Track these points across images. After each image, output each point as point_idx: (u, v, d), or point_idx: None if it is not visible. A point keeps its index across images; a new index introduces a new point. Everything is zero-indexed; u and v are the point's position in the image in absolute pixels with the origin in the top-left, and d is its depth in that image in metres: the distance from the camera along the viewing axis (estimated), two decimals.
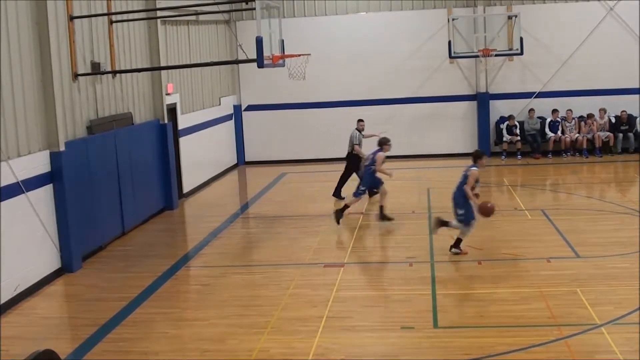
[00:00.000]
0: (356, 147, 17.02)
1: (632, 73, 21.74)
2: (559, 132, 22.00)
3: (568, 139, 21.92)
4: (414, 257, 12.07)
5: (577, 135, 21.80)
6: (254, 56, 11.70)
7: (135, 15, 15.51)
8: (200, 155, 19.91)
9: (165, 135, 16.93)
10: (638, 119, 21.99)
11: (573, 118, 22.03)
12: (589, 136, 21.83)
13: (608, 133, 21.74)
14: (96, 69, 13.82)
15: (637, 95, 21.78)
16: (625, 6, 21.78)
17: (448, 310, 9.57)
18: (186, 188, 18.68)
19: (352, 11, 23.33)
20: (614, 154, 21.70)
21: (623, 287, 10.03)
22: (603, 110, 21.78)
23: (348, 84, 23.32)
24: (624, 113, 21.89)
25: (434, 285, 10.60)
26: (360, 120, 17.67)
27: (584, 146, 21.72)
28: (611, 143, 21.76)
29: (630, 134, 21.96)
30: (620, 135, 21.90)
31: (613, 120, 22.04)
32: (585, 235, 12.99)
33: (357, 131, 17.25)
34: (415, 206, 16.14)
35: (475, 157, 12.34)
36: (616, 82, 22.05)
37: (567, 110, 22.01)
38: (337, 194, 17.29)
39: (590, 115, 21.98)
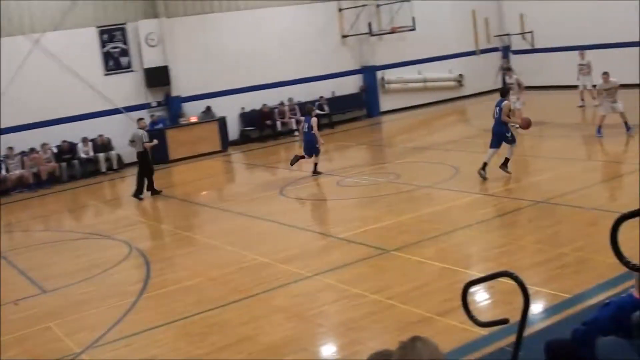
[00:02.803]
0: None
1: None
2: (3, 171, 21.41)
3: (14, 177, 21.48)
4: None
5: (23, 170, 21.50)
6: None
7: None
8: None
9: None
10: (78, 145, 22.63)
11: (16, 155, 21.64)
12: (34, 170, 21.69)
13: (53, 164, 21.90)
14: None
15: (77, 123, 22.50)
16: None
17: None
18: None
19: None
20: (61, 182, 21.95)
21: (94, 310, 10.21)
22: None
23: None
24: (66, 143, 22.36)
25: None
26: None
27: (31, 181, 21.53)
28: (57, 172, 21.98)
29: (74, 161, 22.51)
30: (65, 163, 22.29)
31: (55, 150, 22.29)
32: (48, 268, 12.88)
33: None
34: None
35: (503, 93, 15.93)
36: (57, 113, 22.40)
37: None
38: None
39: (32, 149, 21.88)
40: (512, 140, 15.46)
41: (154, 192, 18.12)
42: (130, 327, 9.38)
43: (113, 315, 9.83)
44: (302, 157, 18.31)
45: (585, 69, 24.12)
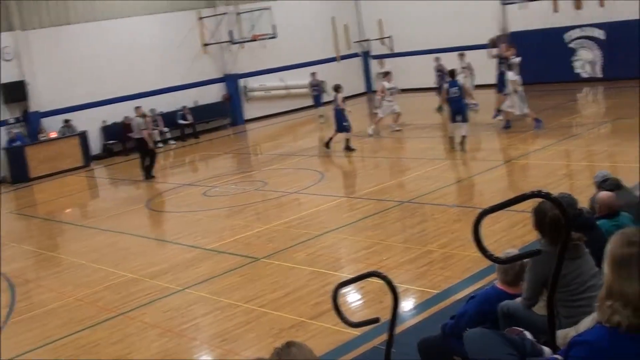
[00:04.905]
0: None
1: None
2: None
3: None
4: None
5: None
6: None
7: None
8: None
9: None
10: None
11: None
12: None
13: None
14: None
15: None
16: None
17: None
18: None
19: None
20: None
21: None
22: None
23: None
24: None
25: None
26: None
27: None
28: None
29: None
30: None
31: None
32: None
33: None
34: None
35: (453, 74, 18.04)
36: None
37: None
38: None
39: None
40: (467, 119, 17.53)
41: (148, 177, 19.42)
42: None
43: None
44: (332, 137, 19.63)
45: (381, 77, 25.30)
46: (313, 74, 26.69)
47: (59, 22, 24.28)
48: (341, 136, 19.59)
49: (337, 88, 19.77)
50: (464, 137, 17.32)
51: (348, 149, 19.36)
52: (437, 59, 24.84)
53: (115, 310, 9.91)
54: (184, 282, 10.67)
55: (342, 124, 19.31)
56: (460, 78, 23.71)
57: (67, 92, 24.03)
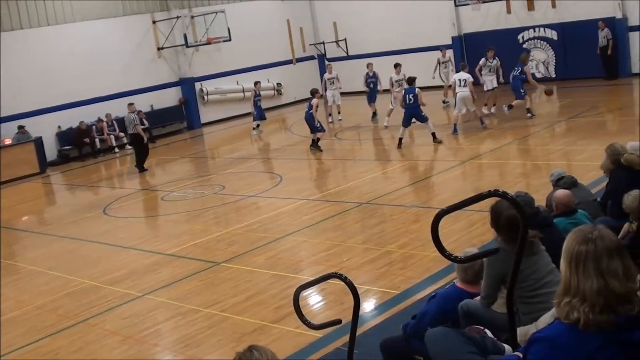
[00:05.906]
0: None
1: None
2: None
3: None
4: None
5: None
6: None
7: None
8: None
9: None
10: None
11: None
12: None
13: None
14: None
15: None
16: None
17: None
18: None
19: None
20: None
21: None
22: None
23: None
24: None
25: None
26: None
27: None
28: None
29: None
30: None
31: None
32: None
33: None
34: None
35: (411, 81, 18.65)
36: None
37: None
38: None
39: None
40: (426, 119, 18.18)
41: (142, 170, 20.25)
42: None
43: None
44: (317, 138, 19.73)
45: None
46: (256, 83, 25.39)
47: (12, 27, 23.87)
48: (319, 134, 19.60)
49: (313, 92, 19.74)
50: (433, 133, 18.10)
51: (315, 146, 19.53)
52: (369, 65, 24.39)
53: (75, 318, 9.81)
54: (144, 288, 10.60)
55: (314, 126, 19.42)
56: (441, 72, 24.25)
57: (21, 98, 23.62)
